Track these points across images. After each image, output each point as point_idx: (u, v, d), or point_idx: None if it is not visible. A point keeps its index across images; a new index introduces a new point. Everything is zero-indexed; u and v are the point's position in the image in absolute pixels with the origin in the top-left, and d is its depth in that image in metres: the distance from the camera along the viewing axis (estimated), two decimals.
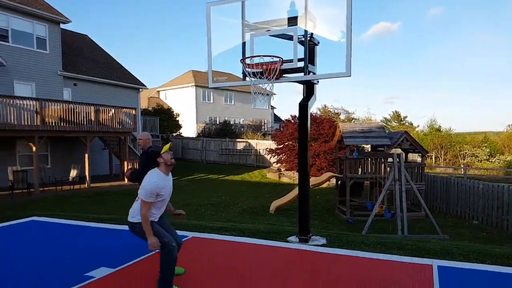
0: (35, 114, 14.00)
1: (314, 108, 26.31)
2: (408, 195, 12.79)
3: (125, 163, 17.48)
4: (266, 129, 35.22)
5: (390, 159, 12.19)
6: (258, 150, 24.70)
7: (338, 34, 5.24)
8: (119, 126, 17.41)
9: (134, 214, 3.66)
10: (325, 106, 42.23)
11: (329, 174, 14.17)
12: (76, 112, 15.53)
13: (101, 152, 19.52)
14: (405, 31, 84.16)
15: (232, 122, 32.84)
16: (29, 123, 13.82)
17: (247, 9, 5.68)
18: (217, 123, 32.54)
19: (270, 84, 5.39)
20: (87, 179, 15.84)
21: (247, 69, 5.50)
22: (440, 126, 35.42)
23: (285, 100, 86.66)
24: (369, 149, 15.85)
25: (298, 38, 5.32)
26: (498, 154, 29.53)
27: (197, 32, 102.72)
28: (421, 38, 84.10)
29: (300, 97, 5.78)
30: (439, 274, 4.32)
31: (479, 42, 79.91)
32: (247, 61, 5.50)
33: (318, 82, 5.75)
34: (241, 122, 35.40)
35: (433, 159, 29.60)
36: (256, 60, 5.40)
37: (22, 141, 15.14)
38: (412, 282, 4.12)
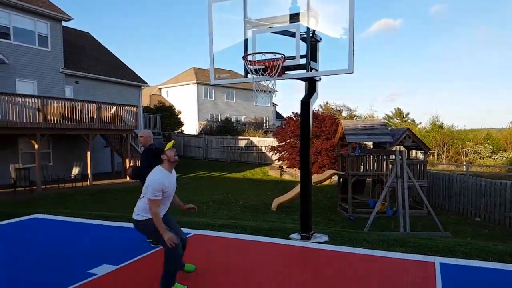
0: (37, 112, 14.02)
1: (316, 105, 26.34)
2: (410, 192, 12.78)
3: (127, 160, 17.50)
4: (268, 127, 35.18)
5: (392, 156, 12.18)
6: (259, 147, 24.69)
7: (340, 31, 5.21)
8: (121, 123, 17.42)
9: (139, 211, 3.67)
10: (327, 103, 42.16)
11: (331, 171, 14.15)
12: (78, 109, 15.54)
13: (103, 149, 19.56)
14: (407, 28, 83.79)
15: (233, 120, 32.81)
16: (31, 121, 13.84)
17: (249, 5, 5.66)
18: (219, 120, 32.51)
19: (272, 81, 5.37)
20: (89, 177, 15.87)
21: (249, 66, 5.47)
22: (442, 123, 35.33)
23: (287, 97, 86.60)
24: (371, 146, 15.82)
25: (300, 34, 5.29)
26: (500, 151, 29.44)
27: (198, 30, 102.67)
28: (423, 35, 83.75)
29: (302, 94, 5.77)
30: (441, 272, 4.31)
31: (482, 38, 79.51)
32: (249, 58, 5.47)
33: (320, 79, 5.72)
34: (243, 120, 35.37)
35: (436, 156, 29.53)
36: (258, 57, 5.37)
37: (24, 138, 15.17)
38: (414, 279, 4.11)
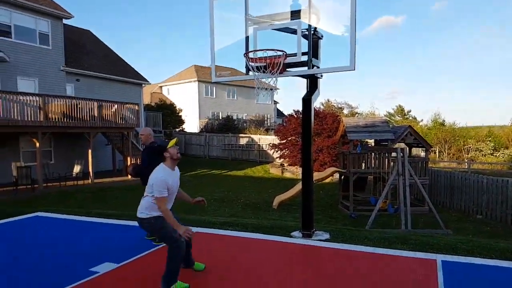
0: (38, 110, 14.03)
1: (317, 102, 26.27)
2: (412, 190, 12.75)
3: (128, 158, 17.52)
4: (269, 124, 35.15)
5: (394, 154, 12.16)
6: (261, 145, 24.68)
7: (341, 28, 5.18)
8: (122, 121, 17.43)
9: (142, 209, 3.69)
10: (328, 101, 42.07)
11: (333, 169, 14.14)
12: (79, 107, 15.55)
13: (104, 147, 19.58)
14: (409, 25, 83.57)
15: (235, 117, 32.78)
16: (33, 119, 13.85)
17: (250, 3, 5.63)
18: (220, 118, 32.49)
19: (274, 79, 5.35)
20: (91, 175, 15.89)
21: (250, 63, 5.45)
22: (444, 121, 35.21)
23: (288, 95, 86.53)
24: (373, 144, 15.80)
25: (302, 31, 5.26)
26: (502, 148, 29.35)
27: (199, 27, 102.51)
28: (424, 33, 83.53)
29: (303, 92, 5.75)
30: (443, 269, 4.30)
31: (483, 35, 79.28)
32: (251, 55, 5.45)
33: (322, 76, 5.70)
34: (244, 117, 35.34)
35: (437, 153, 29.47)
36: (260, 54, 5.35)
37: (25, 137, 15.19)
38: (416, 277, 4.11)
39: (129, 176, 16.15)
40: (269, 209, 12.69)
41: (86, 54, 21.03)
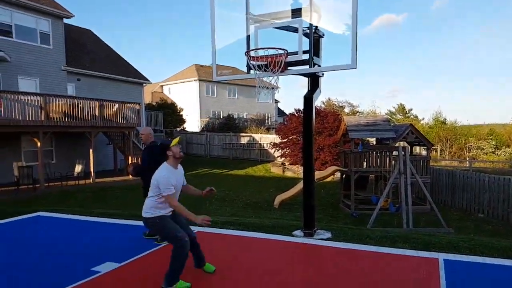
0: (39, 110, 14.04)
1: (318, 101, 26.10)
2: (414, 189, 12.73)
3: (129, 158, 17.53)
4: (270, 123, 35.12)
5: (395, 152, 12.14)
6: (262, 144, 24.67)
7: (343, 26, 5.16)
8: (123, 121, 17.44)
9: (147, 209, 3.71)
10: (330, 99, 42.05)
11: (334, 168, 14.13)
12: (80, 107, 15.55)
13: (105, 147, 19.59)
14: (409, 23, 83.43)
15: (236, 116, 32.75)
16: (34, 119, 13.86)
17: (251, 1, 5.62)
18: (221, 117, 32.48)
19: (275, 77, 5.33)
20: (92, 175, 15.91)
21: (251, 62, 5.44)
22: (445, 119, 35.17)
23: (289, 93, 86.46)
24: (374, 143, 15.78)
25: (303, 30, 5.25)
26: (504, 147, 29.29)
27: (200, 27, 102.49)
28: (426, 30, 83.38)
29: (304, 91, 5.73)
30: (445, 268, 4.29)
31: (485, 33, 79.12)
32: (252, 53, 5.44)
33: (323, 74, 5.69)
34: (245, 116, 35.33)
35: (438, 152, 29.44)
36: (261, 53, 5.33)
37: (26, 136, 15.21)
38: (418, 276, 4.10)
39: (130, 176, 16.18)
40: (270, 208, 12.69)
41: (87, 53, 21.03)
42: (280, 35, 5.47)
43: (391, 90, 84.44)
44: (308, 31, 5.30)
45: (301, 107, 5.38)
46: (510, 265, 4.44)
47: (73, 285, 3.86)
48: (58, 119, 14.67)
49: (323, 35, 5.58)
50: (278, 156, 22.28)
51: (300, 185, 12.32)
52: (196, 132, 29.38)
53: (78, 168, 15.82)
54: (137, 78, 22.67)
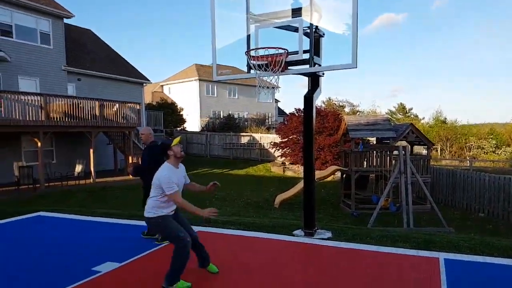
0: (39, 110, 14.04)
1: (318, 101, 26.01)
2: (414, 188, 12.73)
3: (130, 158, 17.53)
4: (270, 123, 35.11)
5: (395, 152, 12.13)
6: (262, 144, 24.66)
7: (343, 26, 5.16)
8: (124, 121, 17.44)
9: (149, 209, 3.72)
10: (330, 99, 42.07)
11: (334, 167, 14.12)
12: (81, 107, 15.55)
13: (105, 147, 19.58)
14: (410, 23, 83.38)
15: (236, 116, 32.74)
16: (34, 119, 13.86)
17: (251, 0, 5.62)
18: (221, 117, 32.47)
19: (276, 77, 5.33)
20: (92, 174, 15.90)
21: (252, 61, 5.44)
22: (445, 118, 35.17)
23: (289, 92, 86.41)
24: (375, 142, 15.77)
25: (303, 29, 5.24)
26: (504, 146, 29.27)
27: (200, 27, 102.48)
28: (426, 29, 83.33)
29: (304, 90, 5.73)
30: (445, 267, 4.29)
31: (485, 32, 79.06)
32: (252, 53, 5.43)
33: (323, 74, 5.68)
34: (245, 116, 35.31)
35: (439, 151, 29.42)
36: (261, 52, 5.33)
37: (27, 136, 15.21)
38: (418, 275, 4.09)
39: (130, 176, 16.18)
40: (271, 208, 12.68)
41: (87, 53, 21.03)
42: (281, 34, 5.47)
43: (391, 90, 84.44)
44: (308, 30, 5.29)
45: (301, 107, 5.36)
46: (511, 264, 4.44)
47: (73, 285, 3.86)
48: (58, 119, 14.67)
49: (324, 34, 5.58)
50: (278, 156, 22.28)
51: (300, 185, 12.32)
52: (196, 131, 29.37)
53: (78, 168, 15.82)
54: (138, 78, 22.66)
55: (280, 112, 43.13)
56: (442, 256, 4.69)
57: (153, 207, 3.68)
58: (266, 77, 5.50)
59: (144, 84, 23.46)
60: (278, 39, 5.43)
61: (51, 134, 15.47)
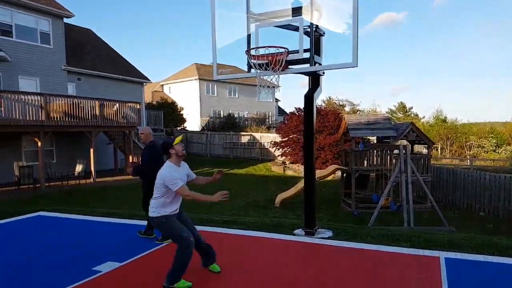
0: (40, 109, 14.03)
1: (319, 100, 25.94)
2: (414, 187, 12.72)
3: (130, 157, 17.52)
4: (270, 122, 35.11)
5: (396, 151, 12.11)
6: (262, 143, 24.65)
7: (343, 25, 5.15)
8: (124, 120, 17.43)
9: (153, 209, 3.74)
10: (330, 98, 42.06)
11: (334, 166, 14.10)
12: (81, 106, 15.54)
13: (106, 146, 19.57)
14: (411, 22, 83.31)
15: (236, 115, 32.74)
16: (34, 118, 13.84)
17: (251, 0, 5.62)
18: (221, 116, 32.46)
19: (276, 76, 5.32)
20: (92, 174, 15.90)
21: (252, 60, 5.43)
22: (446, 117, 35.15)
23: (289, 92, 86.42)
24: (375, 141, 15.75)
25: (304, 28, 5.24)
26: (504, 145, 29.27)
27: (200, 27, 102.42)
28: (427, 28, 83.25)
29: (304, 90, 5.72)
30: (446, 266, 4.29)
31: (485, 32, 78.99)
32: (252, 52, 5.42)
33: (324, 73, 5.68)
34: (245, 115, 35.30)
35: (439, 150, 29.41)
36: (262, 51, 5.32)
37: (27, 136, 15.20)
38: (419, 274, 4.09)
39: (130, 176, 16.16)
40: (271, 207, 12.67)
41: (87, 53, 21.01)
42: (281, 33, 5.46)
43: (392, 89, 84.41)
44: (308, 29, 5.29)
45: (302, 106, 5.36)
46: (511, 263, 4.43)
47: (73, 285, 3.86)
48: (58, 119, 14.66)
49: (324, 33, 5.57)
50: (278, 155, 22.27)
51: (301, 184, 12.31)
52: (197, 131, 29.36)
53: (78, 168, 15.81)
54: (138, 78, 22.65)
55: (280, 111, 43.11)
56: (442, 255, 4.69)
57: (157, 207, 3.70)
58: (267, 76, 5.49)
59: (144, 83, 23.46)
60: (278, 38, 5.43)
61: (51, 134, 15.46)
